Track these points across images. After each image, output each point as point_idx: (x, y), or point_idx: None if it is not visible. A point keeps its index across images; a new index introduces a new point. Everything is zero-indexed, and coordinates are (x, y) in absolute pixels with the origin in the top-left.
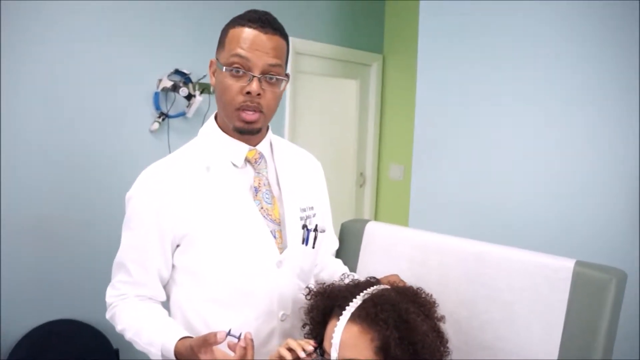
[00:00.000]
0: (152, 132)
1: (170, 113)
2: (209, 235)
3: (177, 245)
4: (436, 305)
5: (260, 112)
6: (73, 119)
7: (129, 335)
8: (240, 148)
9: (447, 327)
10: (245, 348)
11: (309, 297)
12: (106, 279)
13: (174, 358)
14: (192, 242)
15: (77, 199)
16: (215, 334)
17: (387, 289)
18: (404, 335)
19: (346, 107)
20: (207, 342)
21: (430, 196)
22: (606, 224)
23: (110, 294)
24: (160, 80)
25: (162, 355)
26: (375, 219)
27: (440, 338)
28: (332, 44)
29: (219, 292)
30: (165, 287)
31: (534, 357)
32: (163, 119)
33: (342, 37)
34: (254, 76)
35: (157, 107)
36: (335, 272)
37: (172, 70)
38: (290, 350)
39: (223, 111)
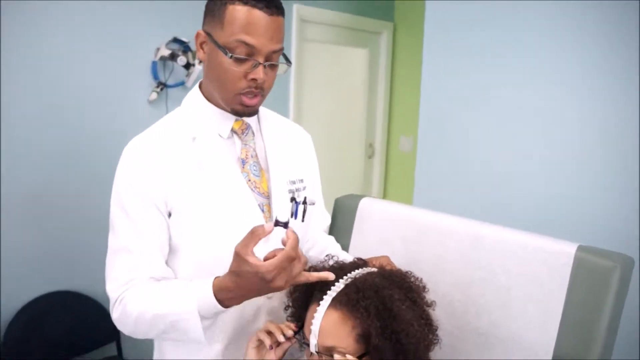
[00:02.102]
0: (150, 102)
1: (169, 82)
2: (195, 208)
3: (169, 215)
4: (426, 290)
5: (261, 95)
6: (70, 89)
7: (150, 314)
8: (226, 119)
9: (439, 311)
10: (296, 233)
11: None
12: (106, 250)
13: (215, 302)
14: (177, 215)
15: (75, 171)
16: (261, 225)
17: (372, 273)
18: (387, 324)
19: (355, 77)
20: (255, 234)
21: (435, 170)
22: (611, 207)
23: (114, 288)
24: (158, 49)
25: (201, 313)
26: (384, 190)
27: (428, 326)
28: (340, 11)
29: (204, 266)
30: None
31: (529, 346)
32: (161, 89)
33: (351, 3)
34: (259, 63)
35: (155, 77)
36: (326, 248)
37: (170, 39)
38: (269, 333)
39: (219, 92)
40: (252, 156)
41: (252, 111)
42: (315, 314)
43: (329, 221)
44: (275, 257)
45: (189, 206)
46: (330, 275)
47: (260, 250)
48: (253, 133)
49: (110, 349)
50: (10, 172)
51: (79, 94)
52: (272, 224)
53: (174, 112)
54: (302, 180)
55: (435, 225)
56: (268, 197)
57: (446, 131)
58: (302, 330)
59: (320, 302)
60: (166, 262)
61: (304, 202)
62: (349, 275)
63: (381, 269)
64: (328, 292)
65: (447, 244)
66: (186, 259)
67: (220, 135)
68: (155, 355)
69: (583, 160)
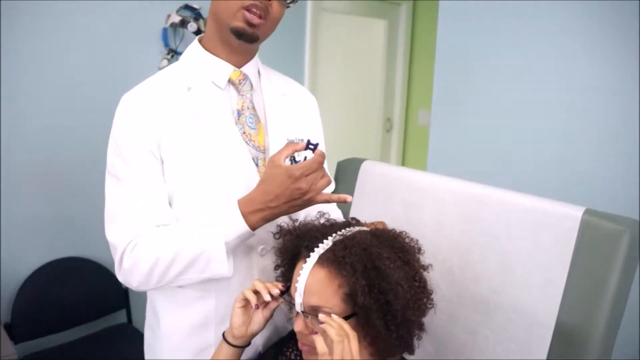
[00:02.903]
0: (160, 69)
1: (180, 50)
2: (186, 158)
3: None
4: (421, 252)
5: (265, 20)
6: (79, 57)
7: (166, 254)
8: (223, 68)
9: (439, 277)
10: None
11: (277, 236)
12: None
13: (240, 217)
14: (168, 164)
15: (82, 137)
16: (297, 142)
17: (362, 231)
18: (374, 282)
19: (373, 49)
20: (290, 145)
21: (449, 142)
22: (618, 173)
23: (121, 235)
24: (168, 16)
25: (226, 237)
26: (403, 165)
27: (421, 288)
28: None
29: (194, 219)
30: None
31: (531, 314)
32: (172, 56)
33: None
34: None
35: (166, 44)
36: (326, 213)
37: (181, 6)
38: (256, 293)
39: (223, 10)
40: (248, 108)
41: (254, 34)
42: (300, 272)
43: (333, 187)
44: (306, 162)
45: (180, 156)
46: (349, 198)
47: None
48: (251, 85)
49: (120, 316)
50: (15, 139)
51: (88, 61)
52: (303, 144)
53: (172, 64)
54: (302, 140)
55: (437, 188)
56: (264, 151)
57: (460, 102)
58: (289, 290)
59: (307, 260)
60: None
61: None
62: (338, 232)
63: (373, 228)
64: (315, 249)
65: (449, 207)
66: (177, 209)
67: (217, 85)
68: (148, 316)
69: (596, 133)
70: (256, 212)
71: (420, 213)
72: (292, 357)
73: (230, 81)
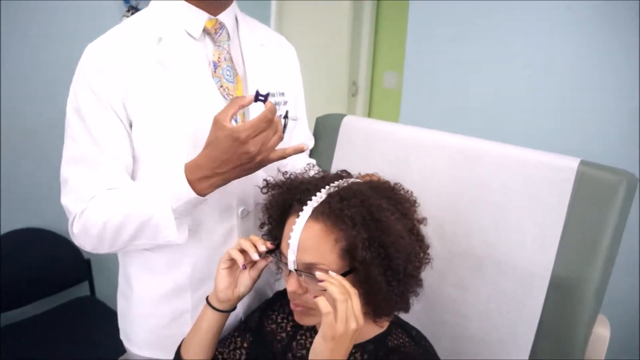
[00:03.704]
0: None
1: (140, 6)
2: (158, 114)
3: (130, 126)
4: (417, 204)
5: None
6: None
7: (115, 219)
8: (197, 16)
9: (429, 233)
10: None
11: (265, 191)
12: None
13: (186, 185)
14: (138, 123)
15: (38, 105)
16: (243, 96)
17: (357, 182)
18: (374, 235)
19: (338, 12)
20: (236, 103)
21: (422, 103)
22: (611, 124)
23: (73, 201)
24: None
25: (173, 204)
26: None
27: (419, 242)
28: None
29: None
30: None
31: (526, 267)
32: (132, 13)
33: None
34: None
35: (126, 1)
36: (315, 165)
37: None
38: (243, 252)
39: None
40: (225, 59)
41: None
42: (293, 227)
43: (312, 144)
44: (252, 119)
45: (152, 113)
46: (305, 147)
47: None
48: (228, 35)
49: (83, 289)
50: None
51: (51, 24)
52: (252, 96)
53: (139, 12)
54: (282, 94)
55: (425, 142)
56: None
57: (433, 64)
58: (278, 249)
59: (300, 214)
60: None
61: (285, 117)
62: (331, 184)
63: (368, 179)
64: (308, 202)
65: (438, 162)
66: (150, 170)
67: (190, 35)
68: (121, 282)
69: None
70: (203, 179)
71: (408, 169)
72: (279, 320)
73: (205, 30)
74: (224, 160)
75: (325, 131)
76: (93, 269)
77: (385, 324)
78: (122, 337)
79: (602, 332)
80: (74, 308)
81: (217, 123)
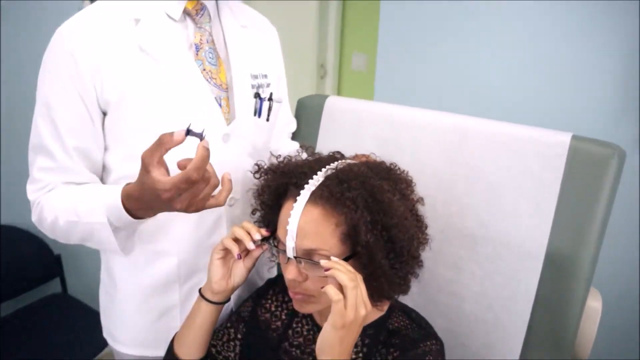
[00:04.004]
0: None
1: None
2: (138, 101)
3: (104, 114)
4: (413, 184)
5: None
6: None
7: (63, 221)
8: None
9: (422, 212)
10: (207, 149)
11: (257, 176)
12: None
13: (122, 210)
14: (115, 111)
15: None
16: (170, 133)
17: (355, 164)
18: (377, 218)
19: None
20: (161, 142)
21: (397, 84)
22: (601, 101)
23: (32, 190)
24: None
25: (109, 218)
26: None
27: (418, 222)
28: None
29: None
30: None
31: (521, 244)
32: None
33: None
34: None
35: None
36: (305, 145)
37: None
38: (237, 241)
39: None
40: (207, 41)
41: None
42: (291, 212)
43: (294, 127)
44: (175, 176)
45: (131, 100)
46: (227, 175)
47: (219, 150)
48: (209, 16)
49: (54, 286)
50: None
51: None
52: (183, 132)
53: None
54: (265, 76)
55: (413, 121)
56: (227, 90)
57: (409, 43)
58: (274, 235)
59: (297, 198)
60: (103, 164)
61: (270, 99)
62: (328, 166)
63: (364, 160)
64: (306, 185)
65: (428, 141)
66: (130, 157)
67: (170, 17)
68: (103, 278)
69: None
70: (139, 210)
71: (397, 149)
72: (273, 308)
73: (185, 12)
74: (153, 207)
75: (308, 113)
76: (64, 265)
77: (385, 307)
78: (105, 335)
79: (594, 304)
80: (46, 306)
81: (143, 164)
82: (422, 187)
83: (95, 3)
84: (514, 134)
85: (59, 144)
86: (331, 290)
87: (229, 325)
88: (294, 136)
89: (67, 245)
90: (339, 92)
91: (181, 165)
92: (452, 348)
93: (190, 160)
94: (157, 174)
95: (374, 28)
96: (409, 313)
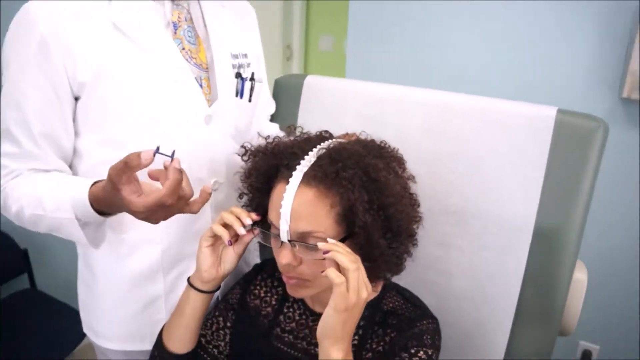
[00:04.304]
0: None
1: None
2: (115, 81)
3: (76, 99)
4: (404, 162)
5: None
6: None
7: (28, 213)
8: None
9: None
10: (180, 171)
11: (245, 158)
12: None
13: (90, 209)
14: (94, 92)
15: None
16: (138, 154)
17: (347, 142)
18: (374, 197)
19: None
20: (128, 165)
21: (370, 64)
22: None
23: None
24: None
25: (76, 214)
26: None
27: (412, 200)
28: None
29: (127, 148)
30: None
31: (509, 219)
32: None
33: None
34: None
35: None
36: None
37: None
38: (226, 226)
39: None
40: (186, 19)
41: None
42: (284, 194)
43: (273, 108)
44: (149, 197)
45: (106, 80)
46: (207, 189)
47: (201, 133)
48: None
49: (22, 282)
50: None
51: None
52: (151, 152)
53: None
54: (245, 56)
55: (396, 97)
56: (207, 69)
57: (382, 21)
58: (265, 219)
59: (290, 180)
60: (75, 150)
61: (252, 79)
62: (319, 146)
63: (355, 139)
64: (297, 166)
65: (412, 118)
66: (106, 142)
67: None
68: (81, 269)
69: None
70: (109, 212)
71: (380, 126)
72: (262, 294)
73: None
74: (123, 212)
75: (286, 93)
76: (31, 260)
77: (379, 288)
78: (86, 330)
79: (580, 276)
80: (14, 303)
81: (110, 182)
82: (407, 164)
83: None
84: (499, 109)
85: (24, 129)
86: (332, 274)
87: (217, 313)
88: (273, 117)
89: (35, 239)
90: (305, 72)
91: (152, 176)
92: (443, 325)
93: (161, 171)
94: (127, 193)
95: (343, 8)
96: (402, 292)
